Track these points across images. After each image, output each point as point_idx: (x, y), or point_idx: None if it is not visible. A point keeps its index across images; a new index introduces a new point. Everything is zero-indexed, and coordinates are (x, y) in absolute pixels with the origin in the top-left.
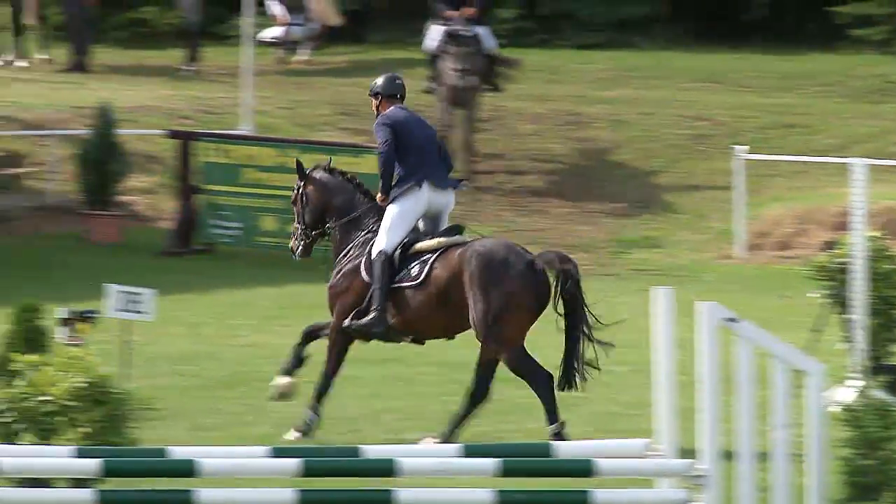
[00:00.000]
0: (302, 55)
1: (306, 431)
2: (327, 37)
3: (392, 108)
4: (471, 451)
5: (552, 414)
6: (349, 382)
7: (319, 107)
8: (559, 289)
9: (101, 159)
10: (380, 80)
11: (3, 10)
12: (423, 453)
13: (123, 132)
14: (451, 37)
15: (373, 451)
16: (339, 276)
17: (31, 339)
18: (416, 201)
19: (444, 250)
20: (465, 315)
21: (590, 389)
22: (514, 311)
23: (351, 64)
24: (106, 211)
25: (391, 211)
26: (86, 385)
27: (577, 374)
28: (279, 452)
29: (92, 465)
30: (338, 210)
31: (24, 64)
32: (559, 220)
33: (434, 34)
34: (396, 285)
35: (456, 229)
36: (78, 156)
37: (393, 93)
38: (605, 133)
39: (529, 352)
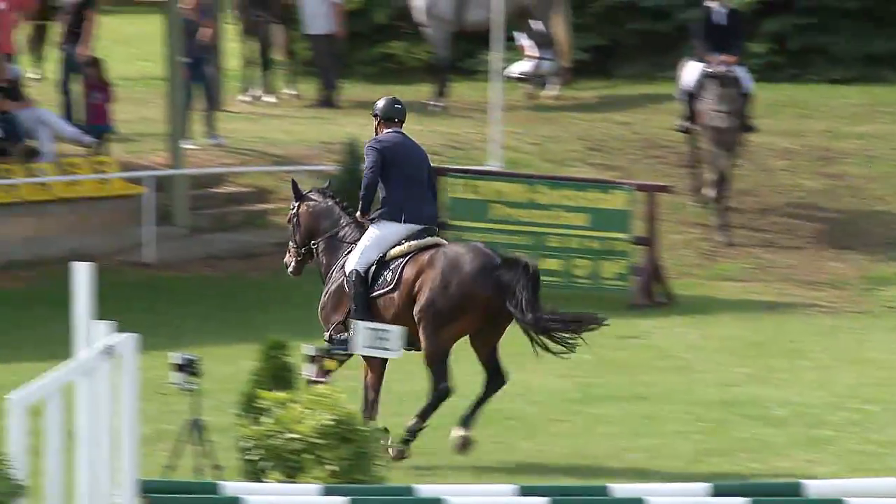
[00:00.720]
0: (550, 90)
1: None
2: (575, 72)
3: (387, 131)
4: (720, 491)
5: (421, 417)
6: (596, 420)
7: (568, 142)
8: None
9: (349, 194)
10: (380, 103)
11: (252, 46)
12: (672, 493)
13: None
14: (711, 77)
15: (620, 490)
16: (326, 296)
17: (278, 376)
18: (394, 229)
19: (414, 253)
20: None
21: (841, 428)
22: (461, 309)
23: (600, 99)
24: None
25: (370, 233)
26: (333, 423)
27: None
28: (526, 491)
29: (339, 503)
30: (323, 232)
31: (272, 99)
32: (809, 257)
33: (691, 73)
34: (374, 294)
35: (427, 231)
36: None
37: (391, 116)
38: (856, 168)
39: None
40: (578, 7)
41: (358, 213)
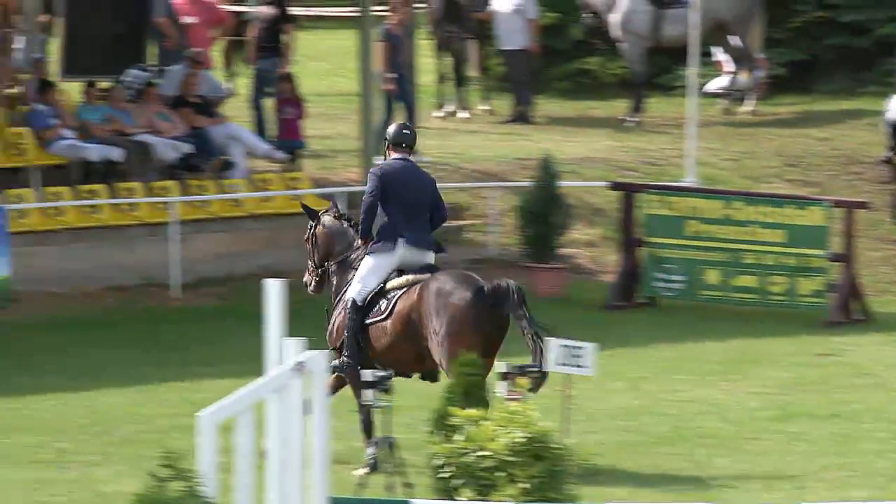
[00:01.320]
0: (747, 105)
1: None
2: (773, 87)
3: (393, 157)
4: None
5: None
6: (795, 439)
7: (766, 158)
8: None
9: (544, 211)
10: (391, 128)
11: (446, 62)
12: None
13: (566, 184)
14: None
15: None
16: (333, 325)
17: (470, 393)
18: (390, 257)
19: (410, 286)
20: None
21: None
22: (458, 331)
23: (797, 115)
24: (548, 264)
25: (366, 262)
26: (525, 440)
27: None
28: None
29: None
30: (337, 255)
31: (465, 115)
32: None
33: None
34: (368, 322)
35: (429, 269)
36: (520, 208)
37: (398, 141)
38: None
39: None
40: (776, 22)
41: (358, 240)
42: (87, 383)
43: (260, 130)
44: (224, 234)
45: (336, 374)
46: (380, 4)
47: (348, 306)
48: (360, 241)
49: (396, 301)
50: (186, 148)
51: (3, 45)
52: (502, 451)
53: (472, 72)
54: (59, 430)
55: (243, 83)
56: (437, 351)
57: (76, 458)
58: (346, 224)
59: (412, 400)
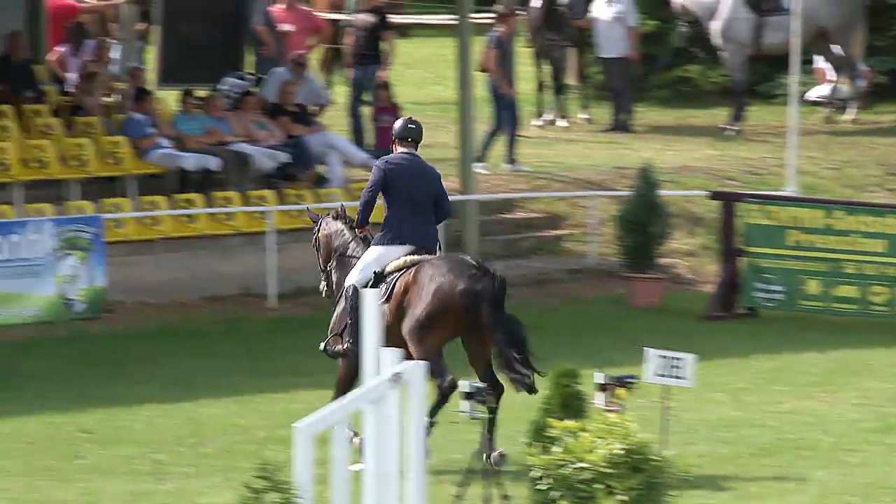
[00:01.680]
0: (849, 114)
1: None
2: (874, 95)
3: (399, 151)
4: None
5: (434, 409)
6: (895, 451)
7: (867, 167)
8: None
9: (643, 221)
10: (397, 123)
11: (545, 70)
12: None
13: (666, 193)
14: None
15: None
16: (336, 316)
17: (569, 404)
18: (393, 250)
19: (408, 268)
20: None
21: None
22: (440, 318)
23: None
24: (647, 273)
25: (370, 252)
26: (623, 452)
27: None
28: None
29: None
30: (335, 252)
31: (564, 123)
32: None
33: None
34: None
35: (427, 251)
36: (619, 217)
37: (404, 136)
38: None
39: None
40: (878, 30)
41: (356, 228)
42: (182, 394)
43: (357, 139)
44: None
45: (346, 363)
46: (478, 12)
47: (349, 293)
48: (357, 229)
49: (395, 283)
50: (283, 157)
51: (99, 53)
52: (600, 463)
53: (571, 80)
54: (155, 441)
55: (340, 91)
56: (409, 329)
57: (172, 470)
58: (343, 224)
59: (508, 411)
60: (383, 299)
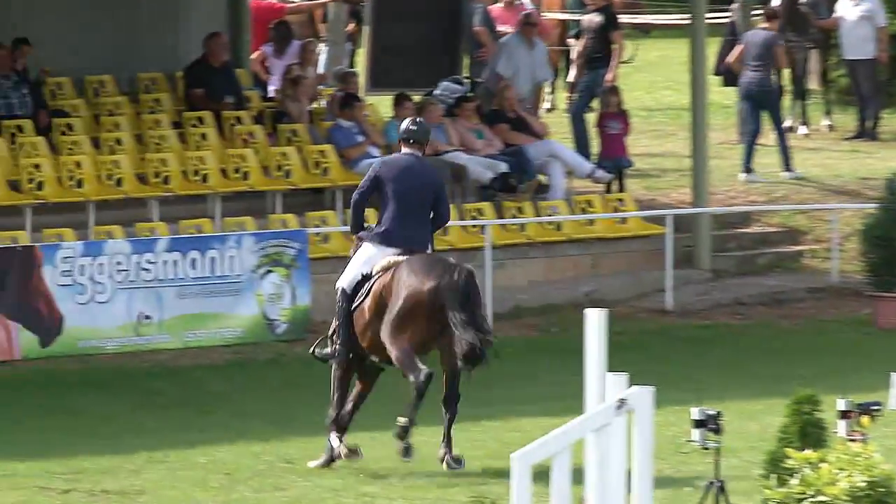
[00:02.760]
0: None
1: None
2: None
3: (402, 152)
4: None
5: (412, 409)
6: None
7: None
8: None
9: (890, 235)
10: (403, 122)
11: (786, 73)
12: None
13: None
14: None
15: None
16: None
17: (808, 433)
18: (382, 251)
19: (389, 268)
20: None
21: None
22: (410, 317)
23: None
24: (893, 293)
25: (360, 251)
26: (866, 485)
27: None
28: None
29: None
30: None
31: (805, 131)
32: None
33: None
34: (354, 306)
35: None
36: (864, 231)
37: (406, 137)
38: None
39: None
40: None
41: (351, 233)
42: (390, 421)
43: (582, 148)
44: (542, 260)
45: (336, 364)
46: (712, 11)
47: (338, 295)
48: (351, 237)
49: (375, 282)
50: (502, 167)
51: (305, 55)
52: (841, 497)
53: (813, 84)
54: (361, 472)
55: (561, 97)
56: (385, 331)
57: (379, 502)
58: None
59: (742, 440)
60: (363, 298)
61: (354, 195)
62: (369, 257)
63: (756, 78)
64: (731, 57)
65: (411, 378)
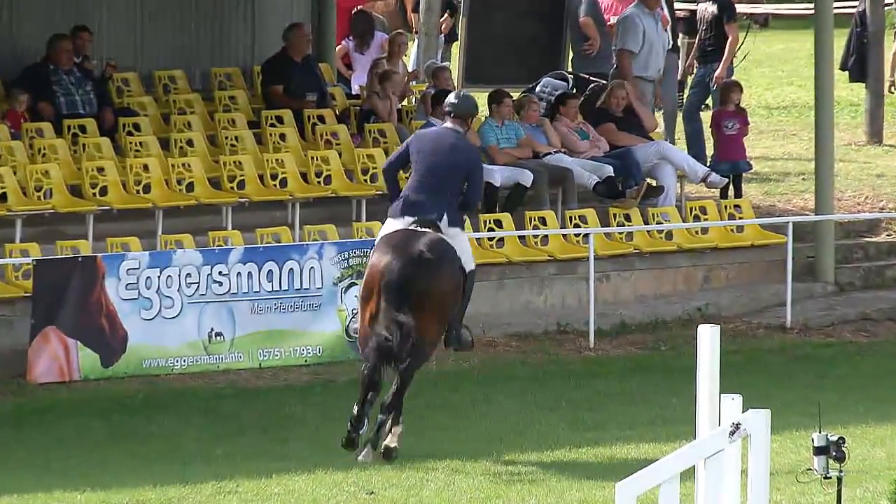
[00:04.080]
0: None
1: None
2: None
3: (443, 125)
4: None
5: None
6: None
7: None
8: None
9: None
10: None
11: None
12: None
13: None
14: None
15: None
16: None
17: None
18: (395, 222)
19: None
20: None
21: None
22: (366, 295)
23: None
24: None
25: (383, 228)
26: None
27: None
28: None
29: None
30: None
31: None
32: None
33: None
34: None
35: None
36: None
37: (447, 110)
38: None
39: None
40: None
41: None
42: (483, 447)
43: (696, 150)
44: (650, 271)
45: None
46: (839, 0)
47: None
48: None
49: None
50: (607, 170)
51: (393, 49)
52: None
53: None
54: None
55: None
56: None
57: None
58: None
59: (864, 469)
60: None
61: (385, 164)
62: (384, 232)
63: None
64: (894, 51)
65: (363, 370)
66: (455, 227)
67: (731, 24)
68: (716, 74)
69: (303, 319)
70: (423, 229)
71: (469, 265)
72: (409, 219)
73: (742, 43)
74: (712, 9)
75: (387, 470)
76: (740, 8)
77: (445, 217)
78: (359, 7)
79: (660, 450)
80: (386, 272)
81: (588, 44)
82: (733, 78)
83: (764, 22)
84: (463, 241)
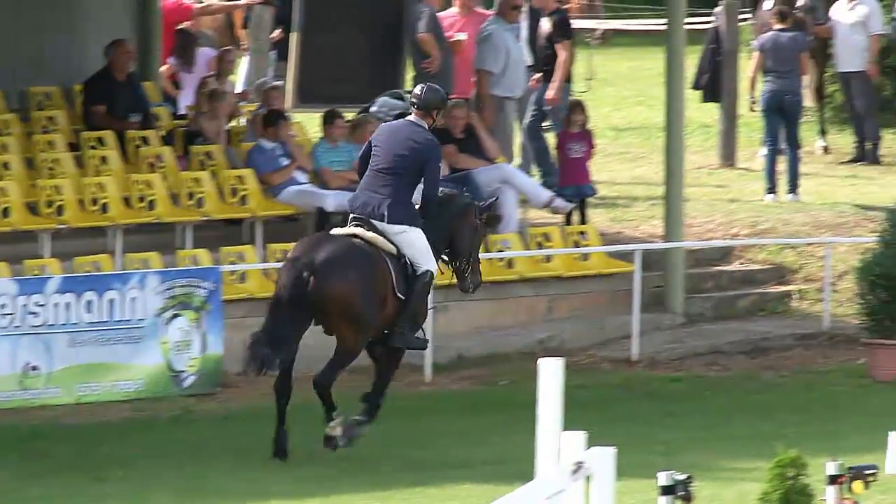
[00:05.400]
0: None
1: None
2: None
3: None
4: None
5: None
6: None
7: None
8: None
9: (891, 274)
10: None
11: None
12: None
13: None
14: None
15: None
16: None
17: (792, 501)
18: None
19: None
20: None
21: None
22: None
23: None
24: (893, 340)
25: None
26: None
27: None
28: None
29: None
30: None
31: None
32: None
33: None
34: None
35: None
36: (861, 269)
37: (412, 101)
38: None
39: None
40: None
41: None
42: (314, 489)
43: (540, 173)
44: (488, 302)
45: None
46: (693, 15)
47: None
48: None
49: None
50: None
51: (222, 67)
52: None
53: (807, 100)
54: None
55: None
56: None
57: None
58: None
59: None
60: None
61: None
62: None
63: (784, 86)
64: (752, 69)
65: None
66: (399, 226)
67: (560, 43)
68: (546, 95)
69: (124, 352)
70: (348, 229)
71: (423, 265)
72: (352, 215)
73: (575, 61)
74: (548, 25)
75: None
76: (581, 24)
77: (386, 214)
78: (182, 24)
79: (498, 490)
80: (279, 289)
81: (427, 61)
82: (576, 98)
83: (603, 38)
84: (413, 239)
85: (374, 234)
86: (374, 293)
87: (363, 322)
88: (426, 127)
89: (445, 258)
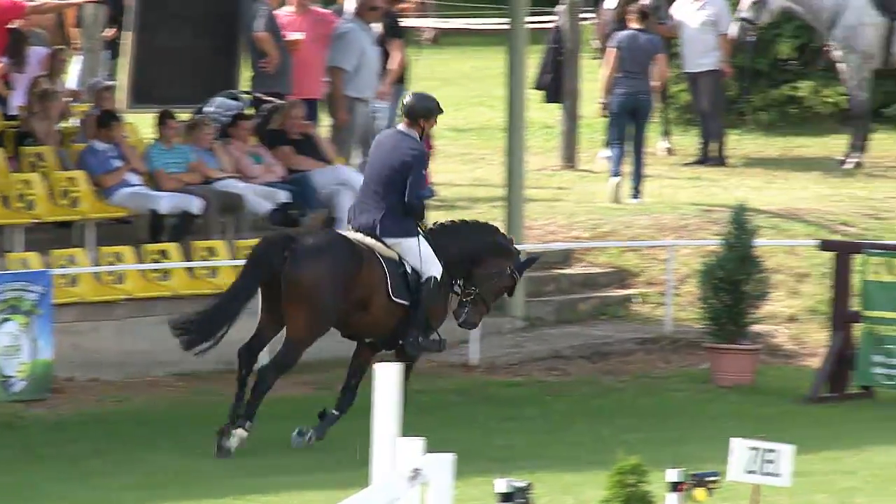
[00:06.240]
0: None
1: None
2: None
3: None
4: None
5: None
6: None
7: None
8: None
9: (734, 278)
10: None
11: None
12: None
13: (764, 243)
14: None
15: None
16: None
17: None
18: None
19: None
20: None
21: None
22: None
23: None
24: (736, 344)
25: None
26: None
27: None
28: None
29: None
30: None
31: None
32: None
33: None
34: None
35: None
36: (704, 273)
37: (404, 112)
38: None
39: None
40: None
41: None
42: (150, 496)
43: None
44: None
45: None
46: (533, 15)
47: None
48: None
49: None
50: (283, 197)
51: (52, 66)
52: None
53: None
54: None
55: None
56: None
57: None
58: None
59: None
60: None
61: None
62: None
63: (637, 87)
64: (607, 67)
65: None
66: (393, 238)
67: (390, 41)
68: (378, 93)
69: None
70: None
71: (426, 271)
72: (350, 227)
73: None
74: (379, 28)
75: None
76: (413, 23)
77: (378, 228)
78: (11, 23)
79: (331, 497)
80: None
81: (265, 60)
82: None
83: (434, 39)
84: (410, 248)
85: (375, 241)
86: (346, 289)
87: (320, 311)
88: (416, 136)
89: (460, 283)
